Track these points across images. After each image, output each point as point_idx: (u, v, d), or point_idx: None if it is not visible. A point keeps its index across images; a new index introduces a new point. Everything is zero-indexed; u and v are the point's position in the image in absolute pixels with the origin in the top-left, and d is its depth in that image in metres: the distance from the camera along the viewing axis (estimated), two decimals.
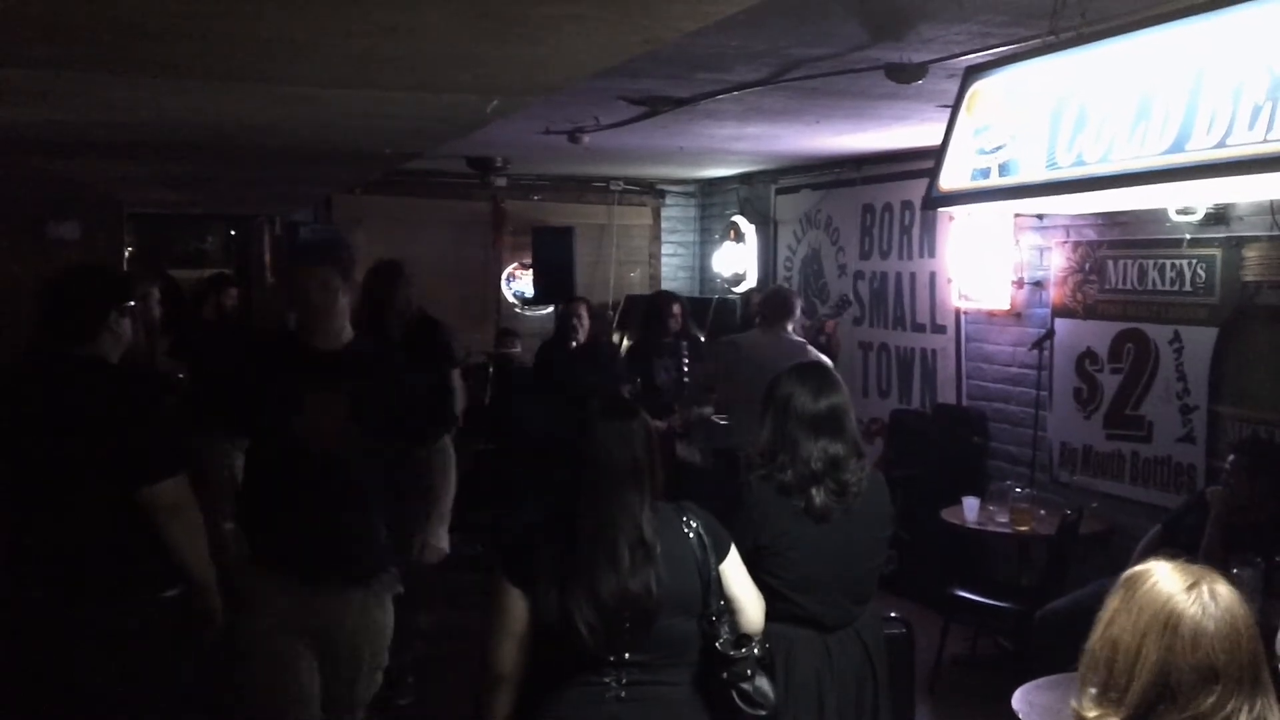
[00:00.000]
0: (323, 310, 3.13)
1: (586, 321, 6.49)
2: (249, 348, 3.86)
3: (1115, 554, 4.64)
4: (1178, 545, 3.74)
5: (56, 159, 5.36)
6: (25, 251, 6.61)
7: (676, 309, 6.31)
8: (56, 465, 2.77)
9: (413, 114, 3.95)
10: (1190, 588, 1.58)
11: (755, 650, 2.35)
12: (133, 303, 3.05)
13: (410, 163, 6.40)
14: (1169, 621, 1.55)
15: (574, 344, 6.29)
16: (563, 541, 2.26)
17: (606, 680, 2.24)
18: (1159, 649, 1.54)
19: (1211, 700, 1.52)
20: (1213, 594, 1.57)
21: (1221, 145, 2.31)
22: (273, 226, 9.56)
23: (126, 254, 8.24)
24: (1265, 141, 2.22)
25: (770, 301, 5.79)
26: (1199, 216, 4.59)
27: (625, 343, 7.38)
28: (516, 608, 2.25)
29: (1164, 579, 1.60)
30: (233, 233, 11.69)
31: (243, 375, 3.22)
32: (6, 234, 6.76)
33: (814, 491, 2.78)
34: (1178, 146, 2.43)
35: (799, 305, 5.89)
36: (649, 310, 6.49)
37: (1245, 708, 1.53)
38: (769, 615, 2.53)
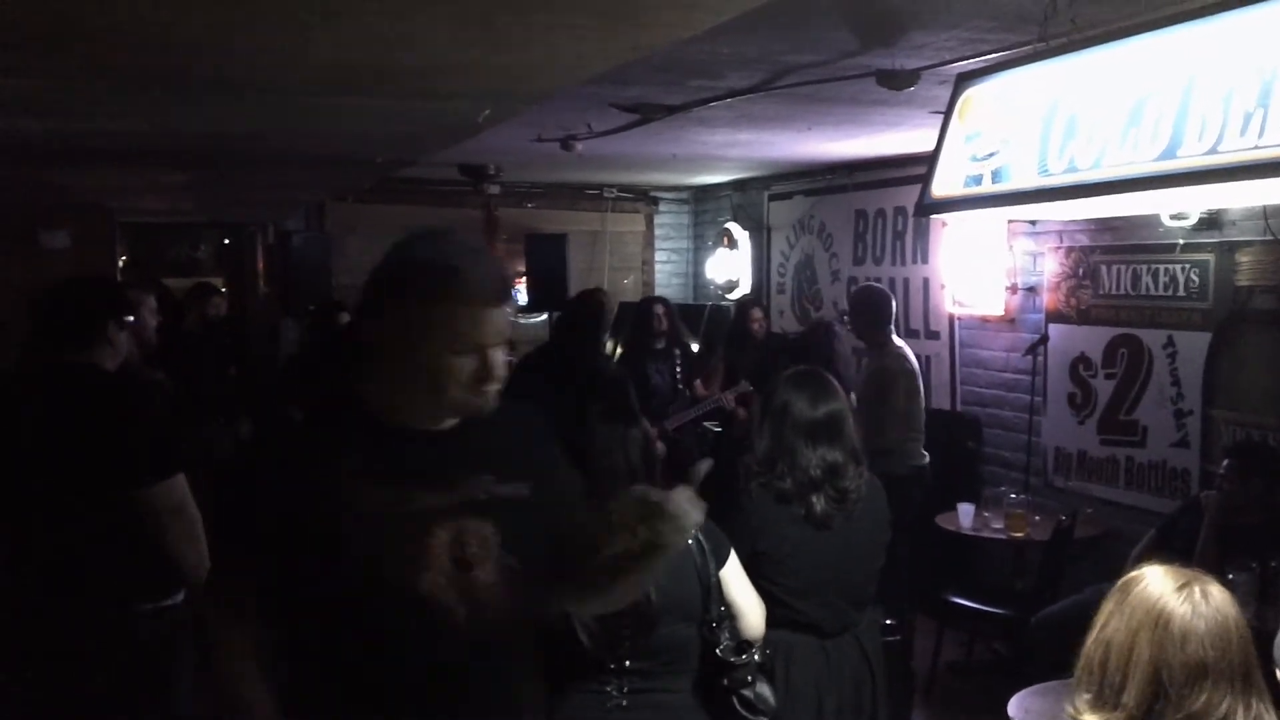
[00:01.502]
0: (492, 384, 1.70)
1: None
2: (272, 438, 2.12)
3: (1109, 559, 4.64)
4: (1173, 550, 3.74)
5: (48, 168, 5.35)
6: (17, 261, 6.59)
7: (660, 309, 6.34)
8: (53, 472, 2.77)
9: (405, 121, 3.95)
10: (1181, 588, 1.60)
11: (756, 656, 2.35)
12: (131, 317, 3.06)
13: (403, 170, 6.40)
14: (1159, 620, 1.57)
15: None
16: None
17: (608, 688, 2.24)
18: (1150, 647, 1.56)
19: (1204, 698, 1.53)
20: (1204, 594, 1.59)
21: (1213, 151, 2.32)
22: (265, 235, 9.56)
23: (120, 263, 8.23)
24: (1257, 147, 2.22)
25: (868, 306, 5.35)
26: (1192, 221, 4.60)
27: (618, 349, 7.38)
28: None
29: (1155, 581, 1.62)
30: (225, 241, 11.68)
31: (275, 492, 1.66)
32: None
33: (814, 499, 2.78)
34: (1169, 153, 2.43)
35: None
36: (636, 316, 6.54)
37: (1240, 707, 1.54)
38: (768, 621, 2.53)
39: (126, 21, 2.40)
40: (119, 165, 5.28)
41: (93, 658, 2.75)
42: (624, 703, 2.23)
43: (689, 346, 6.75)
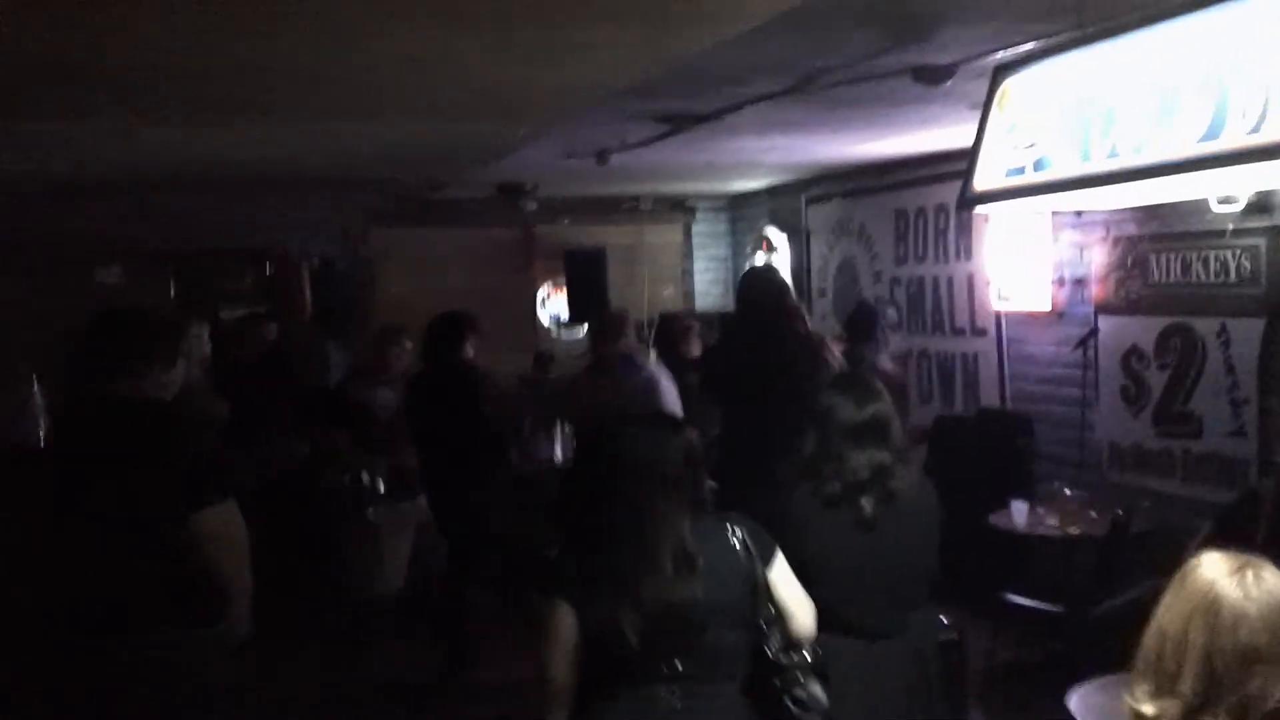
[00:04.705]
0: None
1: None
2: None
3: (1166, 553, 4.54)
4: (1230, 541, 3.64)
5: (91, 205, 5.48)
6: (75, 297, 6.77)
7: (689, 322, 6.58)
8: (104, 505, 2.81)
9: (442, 142, 4.00)
10: (1234, 573, 1.59)
11: (806, 656, 2.34)
12: (181, 343, 3.09)
13: (440, 192, 6.47)
14: (1211, 605, 1.56)
15: None
16: (603, 552, 2.27)
17: (662, 693, 2.24)
18: (1202, 633, 1.55)
19: (1258, 682, 1.51)
20: (1256, 578, 1.58)
21: (1256, 131, 2.28)
22: (309, 262, 9.69)
23: (171, 294, 8.39)
24: None
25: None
26: (1241, 206, 4.51)
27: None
28: (565, 621, 2.25)
29: (1209, 567, 1.62)
30: (269, 270, 11.85)
31: None
32: (54, 281, 6.93)
33: (863, 501, 2.76)
34: (1212, 134, 2.40)
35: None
36: (668, 331, 6.77)
37: None
38: (816, 625, 2.51)
39: (163, 54, 2.46)
40: (162, 197, 5.39)
41: (136, 680, 2.79)
42: (678, 705, 2.23)
43: None
